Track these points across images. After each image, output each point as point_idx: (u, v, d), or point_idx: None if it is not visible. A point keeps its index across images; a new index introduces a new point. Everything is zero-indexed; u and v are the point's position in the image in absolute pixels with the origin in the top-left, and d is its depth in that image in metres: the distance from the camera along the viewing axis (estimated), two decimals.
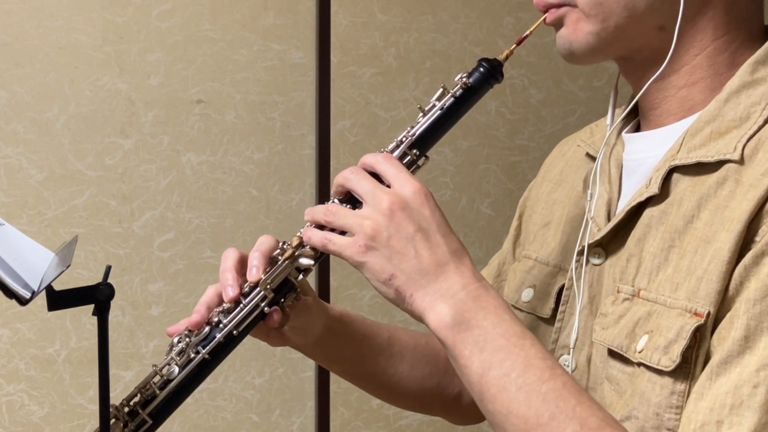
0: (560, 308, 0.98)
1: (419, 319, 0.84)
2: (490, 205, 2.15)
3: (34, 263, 0.86)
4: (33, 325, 1.83)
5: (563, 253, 1.01)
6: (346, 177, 0.89)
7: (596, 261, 0.93)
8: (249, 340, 2.21)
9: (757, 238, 0.79)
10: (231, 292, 0.93)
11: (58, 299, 0.83)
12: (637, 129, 0.97)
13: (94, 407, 1.84)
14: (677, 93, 0.91)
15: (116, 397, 2.10)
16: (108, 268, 0.85)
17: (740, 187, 0.82)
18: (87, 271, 1.85)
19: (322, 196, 1.97)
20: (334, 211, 0.87)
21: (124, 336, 1.90)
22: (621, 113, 0.99)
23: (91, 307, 0.85)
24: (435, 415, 1.22)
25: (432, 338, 1.17)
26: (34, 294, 0.80)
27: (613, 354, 0.87)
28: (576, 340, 0.93)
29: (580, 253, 0.94)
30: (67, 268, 0.82)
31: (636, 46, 0.91)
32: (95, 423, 1.85)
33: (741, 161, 0.83)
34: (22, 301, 0.79)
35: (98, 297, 0.84)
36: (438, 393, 1.16)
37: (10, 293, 0.78)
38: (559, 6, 0.91)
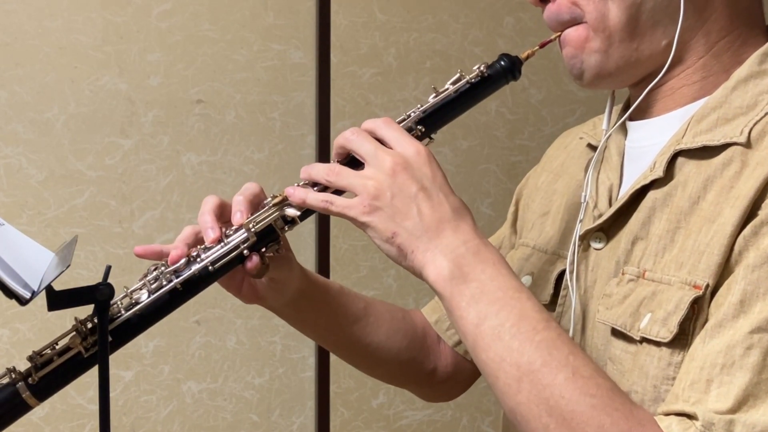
0: (561, 293, 0.98)
1: (419, 274, 0.85)
2: (490, 205, 2.15)
3: (34, 263, 0.85)
4: (33, 325, 1.83)
5: (562, 239, 1.02)
6: (347, 138, 0.88)
7: (597, 245, 0.93)
8: (249, 340, 2.18)
9: (759, 211, 0.79)
10: (212, 234, 0.92)
11: (58, 299, 0.83)
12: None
13: (94, 407, 1.84)
14: (683, 90, 0.91)
15: (116, 396, 2.08)
16: (108, 268, 0.85)
17: (746, 168, 0.82)
18: (87, 271, 1.85)
19: None
20: (337, 171, 0.87)
21: None
22: (619, 110, 0.99)
23: (91, 307, 0.85)
24: (406, 388, 1.23)
25: (410, 313, 1.17)
26: (34, 294, 0.79)
27: (616, 333, 0.87)
28: (576, 324, 0.94)
29: (582, 237, 0.94)
30: (67, 268, 0.82)
31: (645, 69, 0.91)
32: (95, 423, 1.85)
33: (748, 144, 0.83)
34: (22, 301, 0.78)
35: (98, 297, 0.84)
36: (413, 367, 1.16)
37: (10, 293, 0.78)
38: (571, 24, 0.92)
